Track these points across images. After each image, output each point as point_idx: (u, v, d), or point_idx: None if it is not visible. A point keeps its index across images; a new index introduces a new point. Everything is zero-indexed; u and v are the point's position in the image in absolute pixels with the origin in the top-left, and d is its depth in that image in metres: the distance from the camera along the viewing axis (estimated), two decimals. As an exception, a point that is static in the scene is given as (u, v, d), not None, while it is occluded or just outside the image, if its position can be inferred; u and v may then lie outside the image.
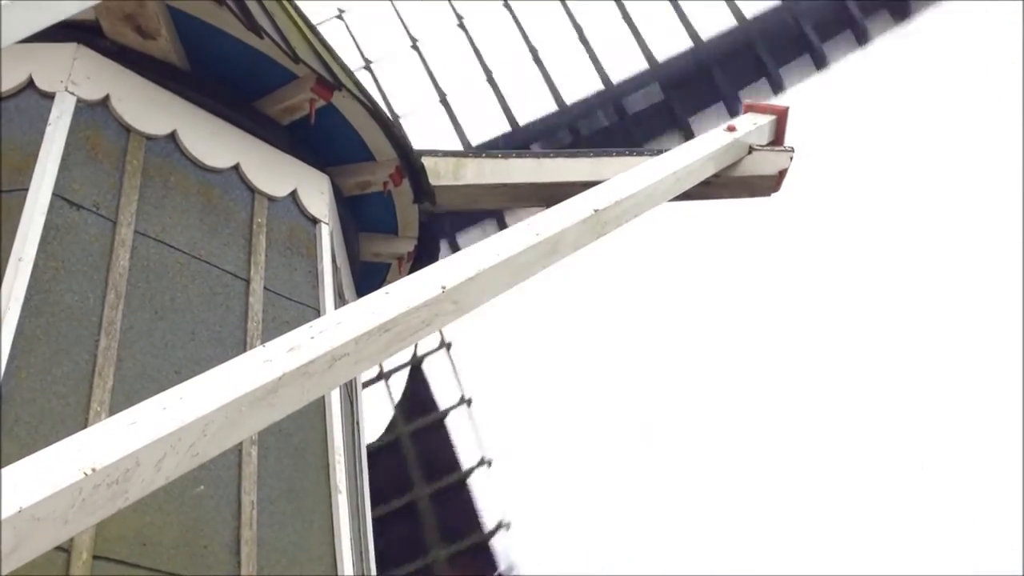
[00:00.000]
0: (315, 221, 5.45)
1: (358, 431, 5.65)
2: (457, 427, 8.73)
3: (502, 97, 9.24)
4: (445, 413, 8.83)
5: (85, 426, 3.92)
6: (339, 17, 9.66)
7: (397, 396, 8.93)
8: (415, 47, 9.54)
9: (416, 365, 9.03)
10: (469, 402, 8.82)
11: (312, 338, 3.07)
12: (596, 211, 4.35)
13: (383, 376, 9.00)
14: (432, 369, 8.97)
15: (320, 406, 4.87)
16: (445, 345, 9.02)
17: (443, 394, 8.88)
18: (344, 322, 3.18)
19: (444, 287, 3.49)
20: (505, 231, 3.98)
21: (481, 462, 8.59)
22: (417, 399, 8.95)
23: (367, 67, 9.59)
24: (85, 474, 2.42)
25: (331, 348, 3.06)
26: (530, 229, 4.03)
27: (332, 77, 5.46)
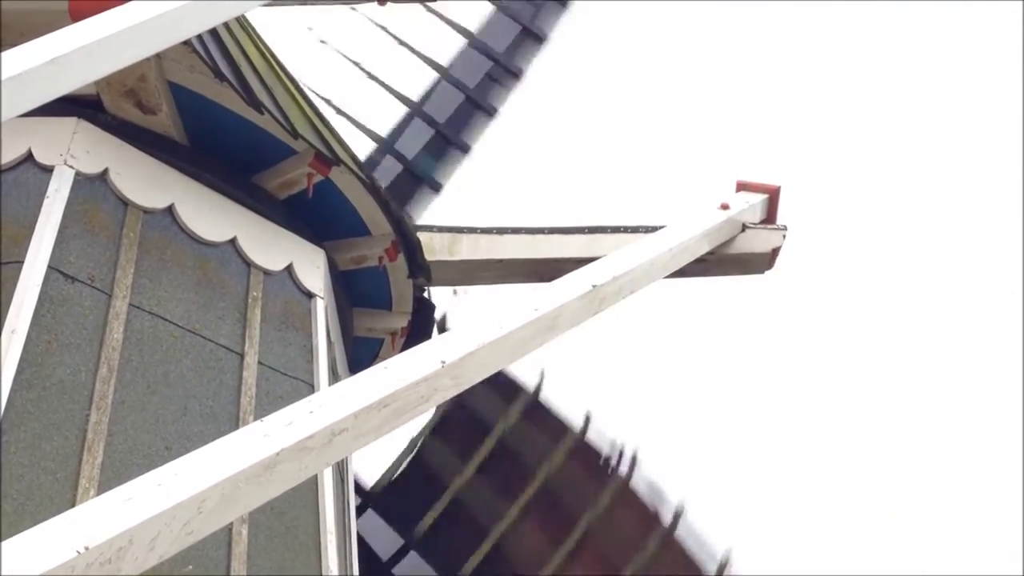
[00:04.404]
0: (310, 296, 5.43)
1: (348, 510, 5.55)
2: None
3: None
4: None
5: (73, 502, 3.84)
6: None
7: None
8: None
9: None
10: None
11: (311, 412, 3.02)
12: (594, 287, 4.36)
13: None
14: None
15: (312, 484, 4.78)
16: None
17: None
18: (343, 396, 3.14)
19: (444, 362, 3.46)
20: (505, 307, 3.97)
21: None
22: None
23: None
24: (78, 552, 2.35)
25: (330, 423, 3.02)
26: (529, 305, 4.02)
27: (330, 152, 5.50)
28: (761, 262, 6.14)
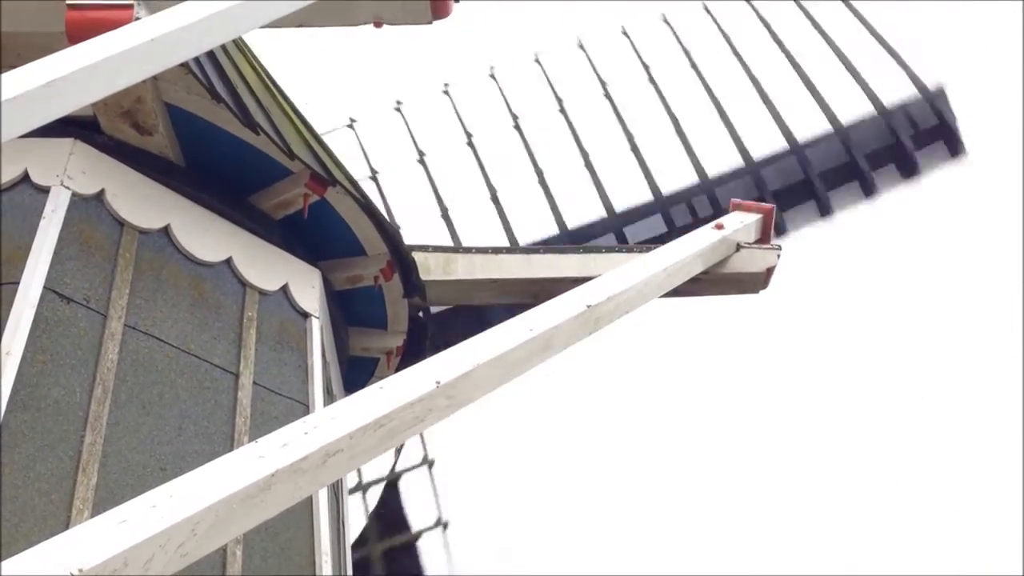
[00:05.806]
0: (306, 315, 5.43)
1: (343, 530, 5.54)
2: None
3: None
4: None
5: (67, 524, 3.83)
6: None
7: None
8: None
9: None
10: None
11: (306, 433, 3.03)
12: (589, 307, 4.37)
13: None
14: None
15: (307, 504, 4.78)
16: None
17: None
18: (338, 417, 3.15)
19: (439, 382, 3.47)
20: (499, 327, 3.98)
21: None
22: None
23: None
24: (72, 575, 2.34)
25: (325, 444, 3.02)
26: (524, 324, 4.03)
27: (326, 172, 5.52)
28: (756, 282, 6.16)
